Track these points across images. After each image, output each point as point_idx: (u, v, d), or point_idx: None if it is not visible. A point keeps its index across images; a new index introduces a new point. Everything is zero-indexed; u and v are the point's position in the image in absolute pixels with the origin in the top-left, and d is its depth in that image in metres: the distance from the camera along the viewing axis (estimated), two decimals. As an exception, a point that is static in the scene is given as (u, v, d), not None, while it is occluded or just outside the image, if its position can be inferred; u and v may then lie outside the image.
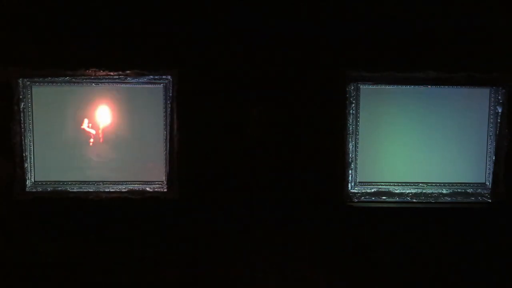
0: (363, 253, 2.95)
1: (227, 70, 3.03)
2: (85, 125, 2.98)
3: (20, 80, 2.88)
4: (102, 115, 2.98)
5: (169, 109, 2.93)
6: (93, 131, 2.98)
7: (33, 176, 2.97)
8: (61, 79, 2.92)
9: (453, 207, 2.95)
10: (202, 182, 3.27)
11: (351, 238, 2.95)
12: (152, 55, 2.90)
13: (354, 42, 2.89)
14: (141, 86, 2.95)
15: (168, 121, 2.94)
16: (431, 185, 3.00)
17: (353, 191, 2.98)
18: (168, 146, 2.94)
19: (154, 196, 2.96)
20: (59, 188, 2.97)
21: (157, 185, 2.99)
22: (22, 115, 2.90)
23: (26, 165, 2.93)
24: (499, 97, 2.93)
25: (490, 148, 2.97)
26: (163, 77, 2.92)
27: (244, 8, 2.85)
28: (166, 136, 2.95)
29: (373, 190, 3.00)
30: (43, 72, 2.88)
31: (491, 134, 2.97)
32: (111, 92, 2.97)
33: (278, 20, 2.88)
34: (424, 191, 3.00)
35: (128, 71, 2.89)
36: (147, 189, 2.98)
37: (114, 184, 2.99)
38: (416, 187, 3.01)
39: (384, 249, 2.95)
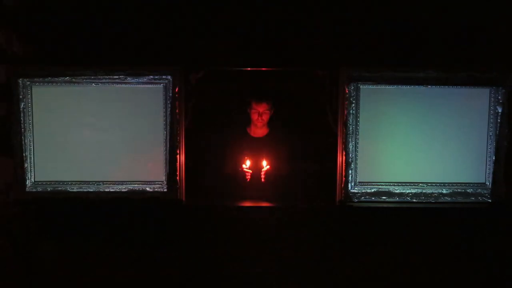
0: (363, 253, 2.95)
1: (227, 70, 3.03)
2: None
3: (20, 80, 2.88)
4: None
5: (169, 109, 2.93)
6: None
7: (33, 176, 2.97)
8: (61, 79, 2.91)
9: (453, 207, 2.95)
10: (202, 182, 3.28)
11: (351, 238, 2.95)
12: (152, 55, 2.90)
13: (354, 42, 2.89)
14: (141, 86, 2.95)
15: (168, 121, 2.93)
16: (431, 185, 3.00)
17: (353, 191, 2.98)
18: (168, 146, 2.94)
19: (154, 196, 2.96)
20: (59, 188, 2.97)
21: (157, 185, 2.99)
22: (22, 115, 2.90)
23: (26, 165, 2.93)
24: (499, 97, 2.93)
25: (490, 148, 2.97)
26: (163, 77, 2.92)
27: (244, 8, 2.85)
28: (166, 136, 2.95)
29: (373, 190, 2.99)
30: (43, 72, 2.88)
31: (491, 134, 2.97)
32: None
33: (278, 20, 2.88)
34: (424, 191, 3.00)
35: (128, 71, 2.89)
36: (147, 189, 2.98)
37: (114, 184, 2.98)
38: (416, 187, 3.00)
39: (384, 249, 2.95)
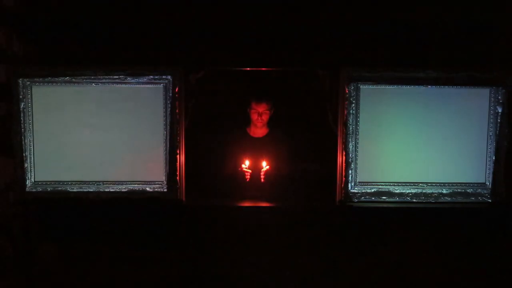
0: (363, 253, 2.95)
1: (227, 70, 3.03)
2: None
3: (20, 80, 2.88)
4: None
5: (169, 109, 2.93)
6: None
7: (33, 176, 2.97)
8: (61, 79, 2.91)
9: (453, 207, 2.95)
10: (202, 182, 3.28)
11: (351, 238, 2.95)
12: (152, 55, 2.90)
13: (354, 42, 2.89)
14: (141, 86, 2.95)
15: (168, 121, 2.94)
16: (431, 185, 3.00)
17: (353, 191, 2.98)
18: (168, 146, 2.94)
19: (154, 196, 2.96)
20: (59, 188, 2.97)
21: (157, 185, 2.99)
22: (22, 115, 2.90)
23: (26, 165, 2.93)
24: (499, 97, 2.93)
25: (490, 148, 2.97)
26: (163, 77, 2.92)
27: (244, 8, 2.85)
28: (166, 136, 2.95)
29: (373, 190, 2.99)
30: (43, 72, 2.88)
31: (491, 134, 2.97)
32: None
33: (278, 20, 2.88)
34: (424, 191, 3.00)
35: (128, 71, 2.89)
36: (147, 189, 2.98)
37: (114, 184, 2.98)
38: (416, 187, 3.00)
39: (384, 249, 2.95)
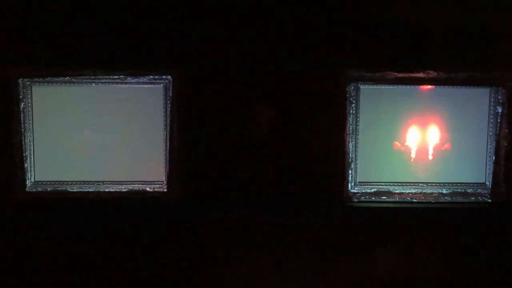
0: (363, 253, 2.95)
1: (227, 70, 3.03)
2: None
3: (20, 80, 2.88)
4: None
5: (169, 109, 2.93)
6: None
7: (33, 176, 2.97)
8: (61, 79, 2.91)
9: (453, 207, 2.95)
10: (202, 182, 3.27)
11: (351, 238, 2.95)
12: (152, 55, 2.90)
13: (354, 42, 2.89)
14: (141, 86, 2.95)
15: (168, 121, 2.94)
16: (431, 185, 3.00)
17: (353, 191, 2.98)
18: (168, 146, 2.94)
19: (154, 196, 2.96)
20: (59, 188, 2.97)
21: (157, 185, 2.99)
22: (22, 115, 2.90)
23: (26, 165, 2.93)
24: (499, 97, 2.93)
25: (490, 148, 2.97)
26: (163, 77, 2.92)
27: (244, 8, 2.85)
28: (166, 136, 2.95)
29: (373, 190, 3.00)
30: (43, 72, 2.88)
31: (491, 134, 2.96)
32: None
33: (278, 20, 2.88)
34: (424, 191, 3.00)
35: (128, 71, 2.89)
36: (147, 189, 2.98)
37: (114, 184, 2.98)
38: (416, 187, 3.00)
39: (384, 249, 2.95)
